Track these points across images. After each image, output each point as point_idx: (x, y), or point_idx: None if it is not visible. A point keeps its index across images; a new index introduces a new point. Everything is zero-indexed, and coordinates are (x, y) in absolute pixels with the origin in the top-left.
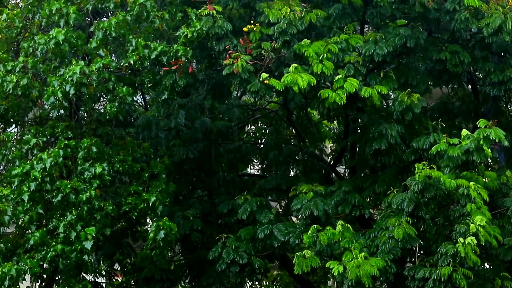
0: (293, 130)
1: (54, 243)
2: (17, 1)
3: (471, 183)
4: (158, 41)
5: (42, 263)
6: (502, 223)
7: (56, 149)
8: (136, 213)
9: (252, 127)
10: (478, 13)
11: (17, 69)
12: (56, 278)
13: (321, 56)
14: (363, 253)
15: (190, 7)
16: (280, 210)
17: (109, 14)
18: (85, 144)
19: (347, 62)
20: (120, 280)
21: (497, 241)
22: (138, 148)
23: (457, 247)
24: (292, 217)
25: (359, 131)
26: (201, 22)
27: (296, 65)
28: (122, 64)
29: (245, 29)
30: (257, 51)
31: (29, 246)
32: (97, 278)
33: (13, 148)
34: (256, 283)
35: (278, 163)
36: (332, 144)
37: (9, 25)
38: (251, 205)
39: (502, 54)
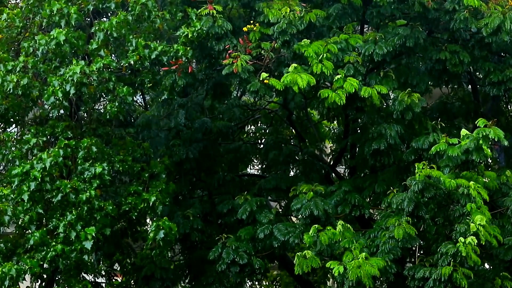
0: (293, 130)
1: (54, 243)
2: (17, 1)
3: (471, 182)
4: (158, 41)
5: (42, 263)
6: (502, 223)
7: (56, 149)
8: (136, 213)
9: (252, 127)
10: (478, 13)
11: (18, 69)
12: (56, 278)
13: (321, 56)
14: (363, 253)
15: (190, 7)
16: (280, 210)
17: (110, 14)
18: (85, 144)
19: (346, 62)
20: (120, 280)
21: (497, 240)
22: (138, 148)
23: (458, 247)
24: (292, 217)
25: (358, 131)
26: (201, 22)
27: (295, 65)
28: (122, 64)
29: (244, 29)
30: (256, 51)
31: (29, 246)
32: (97, 278)
33: (13, 148)
34: (256, 283)
35: (278, 163)
36: (332, 144)
37: (9, 24)
38: (251, 205)
39: (502, 53)
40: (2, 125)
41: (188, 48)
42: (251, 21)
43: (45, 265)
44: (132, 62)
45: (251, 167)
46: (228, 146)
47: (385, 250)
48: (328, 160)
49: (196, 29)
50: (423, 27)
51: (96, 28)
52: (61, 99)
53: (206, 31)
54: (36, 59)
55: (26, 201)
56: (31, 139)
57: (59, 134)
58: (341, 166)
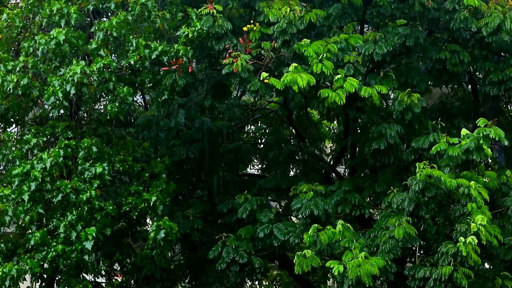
0: (293, 130)
1: (54, 243)
2: (17, 1)
3: (472, 182)
4: (158, 41)
5: (42, 263)
6: (502, 223)
7: (56, 149)
8: (136, 213)
9: (252, 127)
10: (478, 13)
11: (18, 68)
12: (57, 278)
13: (321, 55)
14: (363, 253)
15: (190, 6)
16: (280, 210)
17: (110, 14)
18: (85, 144)
19: (346, 62)
20: (120, 280)
21: (497, 240)
22: (138, 148)
23: (458, 247)
24: (291, 217)
25: (358, 131)
26: (201, 22)
27: (295, 64)
28: (122, 64)
29: (244, 28)
30: (256, 51)
31: (29, 246)
32: (97, 278)
33: (13, 148)
34: (256, 282)
35: (278, 163)
36: (332, 144)
37: (9, 24)
38: (251, 204)
39: (502, 53)
40: (2, 125)
41: (189, 48)
42: (251, 21)
43: (46, 265)
44: (132, 62)
45: (251, 167)
46: (228, 146)
47: (385, 250)
48: (328, 160)
49: (196, 28)
50: (423, 27)
51: (96, 28)
52: (61, 99)
53: (206, 31)
54: (36, 59)
55: (26, 201)
56: (31, 139)
57: (59, 134)
58: (341, 166)
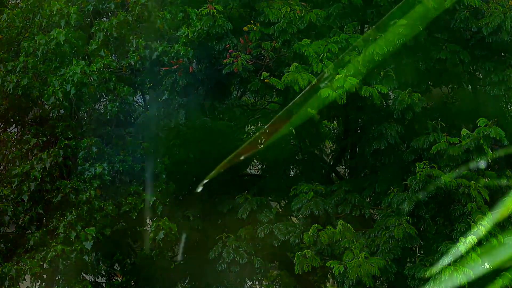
0: (293, 130)
1: (54, 243)
2: (17, 1)
3: (472, 182)
4: (158, 41)
5: (42, 263)
6: (502, 223)
7: (56, 149)
8: (136, 213)
9: (252, 127)
10: (478, 13)
11: (18, 69)
12: (57, 278)
13: (321, 55)
14: (363, 253)
15: (190, 6)
16: (280, 210)
17: (110, 14)
18: (85, 144)
19: (347, 62)
20: (120, 280)
21: (497, 240)
22: (138, 148)
23: (458, 246)
24: (291, 217)
25: (359, 131)
26: (201, 22)
27: (296, 64)
28: (122, 64)
29: (245, 28)
30: (257, 51)
31: (29, 246)
32: (97, 278)
33: (13, 148)
34: (256, 283)
35: (278, 163)
36: (332, 144)
37: (9, 25)
38: (251, 204)
39: (502, 53)
40: (2, 125)
41: (189, 48)
42: (252, 21)
43: (45, 265)
44: (132, 62)
45: (251, 167)
46: (228, 146)
47: (385, 250)
48: (328, 160)
49: (197, 29)
50: (423, 27)
51: (96, 28)
52: (61, 99)
53: (207, 31)
54: (36, 59)
55: (26, 201)
56: (31, 139)
57: (59, 134)
58: (341, 166)
